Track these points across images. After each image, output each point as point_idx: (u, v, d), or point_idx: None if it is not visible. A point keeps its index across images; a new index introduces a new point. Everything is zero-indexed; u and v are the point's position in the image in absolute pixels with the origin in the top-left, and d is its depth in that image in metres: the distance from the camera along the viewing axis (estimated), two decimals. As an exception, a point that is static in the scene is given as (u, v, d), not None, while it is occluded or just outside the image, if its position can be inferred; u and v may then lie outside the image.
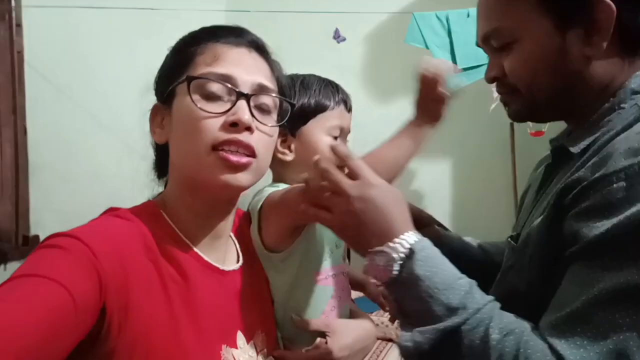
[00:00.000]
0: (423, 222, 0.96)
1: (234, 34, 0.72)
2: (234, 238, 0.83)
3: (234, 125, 0.66)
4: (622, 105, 0.68)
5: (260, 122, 0.69)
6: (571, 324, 0.56)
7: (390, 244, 0.65)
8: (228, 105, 0.67)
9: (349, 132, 0.93)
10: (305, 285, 0.84)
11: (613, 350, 0.53)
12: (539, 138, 2.08)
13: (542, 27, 0.70)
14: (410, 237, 0.65)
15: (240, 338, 0.73)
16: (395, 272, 0.64)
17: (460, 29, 1.88)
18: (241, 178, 0.68)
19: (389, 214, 0.67)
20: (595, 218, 0.59)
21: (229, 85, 0.67)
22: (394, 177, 0.77)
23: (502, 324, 0.60)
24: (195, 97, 0.67)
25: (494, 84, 0.79)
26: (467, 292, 0.62)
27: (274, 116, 0.74)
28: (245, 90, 0.68)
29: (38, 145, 1.97)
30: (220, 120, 0.66)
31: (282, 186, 0.85)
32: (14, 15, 1.86)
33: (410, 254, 0.64)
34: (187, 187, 0.71)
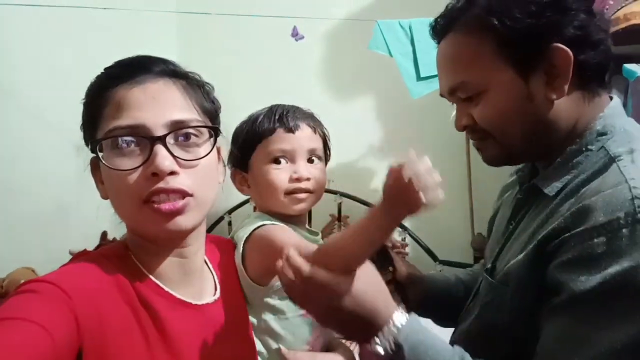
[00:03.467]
0: (410, 276, 1.02)
1: (136, 69, 0.67)
2: (211, 269, 0.81)
3: (156, 175, 0.63)
4: (589, 147, 0.71)
5: (186, 159, 0.66)
6: None
7: (375, 340, 0.64)
8: (146, 154, 0.64)
9: (310, 151, 0.89)
10: (290, 317, 0.84)
11: None
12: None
13: (507, 76, 0.72)
14: (389, 332, 0.63)
15: None
16: None
17: (422, 37, 1.88)
18: (181, 222, 0.66)
19: (368, 311, 0.63)
20: (579, 271, 0.61)
21: (139, 136, 0.64)
22: (356, 266, 0.63)
23: None
24: (110, 156, 0.64)
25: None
26: None
27: (203, 141, 0.69)
28: (159, 132, 0.64)
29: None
30: (141, 172, 0.64)
31: (268, 218, 0.86)
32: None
33: (398, 349, 0.63)
34: (138, 236, 0.70)
